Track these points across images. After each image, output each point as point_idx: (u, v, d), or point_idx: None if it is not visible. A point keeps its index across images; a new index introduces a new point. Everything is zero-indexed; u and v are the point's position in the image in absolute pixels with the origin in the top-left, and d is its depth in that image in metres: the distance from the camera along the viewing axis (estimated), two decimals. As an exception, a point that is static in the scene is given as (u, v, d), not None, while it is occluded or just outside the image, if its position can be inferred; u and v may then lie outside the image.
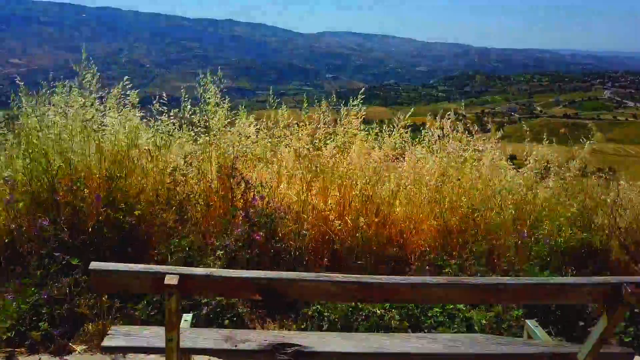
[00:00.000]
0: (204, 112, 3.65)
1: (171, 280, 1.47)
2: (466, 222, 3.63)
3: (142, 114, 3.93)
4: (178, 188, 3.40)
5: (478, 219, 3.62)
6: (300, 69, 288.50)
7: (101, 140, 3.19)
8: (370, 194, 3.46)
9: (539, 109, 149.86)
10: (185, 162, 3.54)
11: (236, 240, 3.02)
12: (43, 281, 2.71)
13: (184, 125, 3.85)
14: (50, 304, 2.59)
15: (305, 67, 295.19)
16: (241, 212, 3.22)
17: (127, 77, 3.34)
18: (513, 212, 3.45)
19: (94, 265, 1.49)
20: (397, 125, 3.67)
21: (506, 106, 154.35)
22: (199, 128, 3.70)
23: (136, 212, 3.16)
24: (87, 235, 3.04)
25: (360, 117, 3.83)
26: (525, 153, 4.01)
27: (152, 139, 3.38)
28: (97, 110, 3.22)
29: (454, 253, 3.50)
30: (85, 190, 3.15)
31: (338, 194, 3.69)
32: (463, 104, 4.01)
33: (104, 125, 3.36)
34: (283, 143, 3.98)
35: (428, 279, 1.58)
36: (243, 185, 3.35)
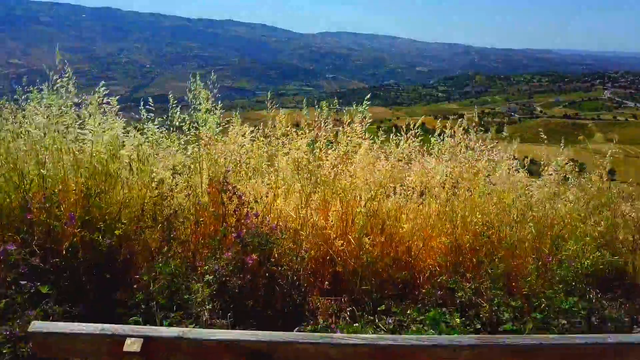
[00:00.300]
0: (194, 120, 3.34)
1: (132, 346, 1.15)
2: (480, 239, 3.32)
3: (124, 121, 3.63)
4: (165, 203, 3.08)
5: (493, 236, 3.31)
6: (300, 69, 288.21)
7: (77, 152, 2.87)
8: (376, 209, 3.15)
9: (539, 109, 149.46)
10: (173, 174, 3.23)
11: (227, 263, 2.71)
12: (6, 314, 2.39)
13: (173, 133, 3.53)
14: (13, 342, 2.28)
15: (305, 67, 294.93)
16: (233, 231, 2.91)
17: (103, 82, 3.01)
18: (533, 230, 3.14)
19: (35, 326, 1.18)
20: (406, 135, 3.35)
21: (506, 106, 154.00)
22: (188, 136, 3.38)
23: (117, 232, 2.84)
24: (61, 258, 2.72)
25: (365, 125, 3.51)
26: (542, 162, 3.69)
27: (136, 150, 3.07)
28: (73, 118, 2.90)
29: (467, 274, 3.19)
30: (62, 207, 2.84)
31: (340, 209, 3.37)
32: (476, 110, 3.68)
33: (82, 134, 3.04)
34: (281, 152, 3.67)
35: (456, 340, 1.26)
36: (236, 200, 3.03)
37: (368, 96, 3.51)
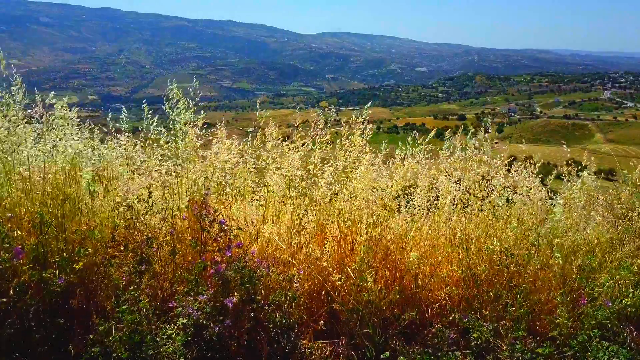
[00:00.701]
0: (173, 133, 2.92)
1: None
2: (497, 268, 2.90)
3: (103, 131, 3.23)
4: (135, 229, 2.67)
5: (512, 265, 2.89)
6: (300, 69, 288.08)
7: (25, 176, 2.45)
8: (378, 235, 2.73)
9: (538, 109, 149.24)
10: (147, 195, 2.81)
11: (204, 305, 2.29)
12: None
13: (149, 147, 3.12)
14: None
15: (305, 67, 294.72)
16: (212, 264, 2.49)
17: (53, 93, 2.58)
18: (560, 261, 2.72)
19: None
20: (413, 151, 2.92)
21: (506, 107, 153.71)
22: (165, 151, 2.97)
23: (77, 265, 2.43)
24: (8, 299, 2.30)
25: (366, 137, 3.10)
26: (564, 180, 3.27)
27: (103, 169, 2.65)
28: (25, 133, 2.48)
29: (483, 311, 2.77)
30: (12, 238, 2.42)
31: (338, 233, 2.96)
32: (490, 121, 3.25)
33: (42, 152, 2.63)
34: (272, 166, 3.25)
35: None
36: (217, 227, 2.62)
37: (368, 105, 3.09)
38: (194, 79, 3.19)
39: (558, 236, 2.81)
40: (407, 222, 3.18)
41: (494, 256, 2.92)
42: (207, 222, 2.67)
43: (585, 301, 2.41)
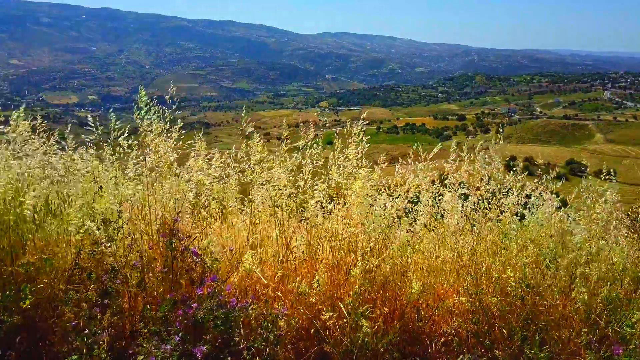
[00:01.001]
0: (144, 146, 2.58)
1: None
2: (512, 302, 2.56)
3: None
4: (95, 259, 2.32)
5: (528, 297, 2.54)
6: (300, 69, 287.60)
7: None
8: (376, 264, 2.37)
9: (538, 109, 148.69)
10: (116, 218, 2.46)
11: (169, 355, 1.94)
12: None
13: (118, 163, 2.77)
14: None
15: (305, 67, 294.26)
16: (182, 302, 2.14)
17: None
18: (585, 296, 2.36)
19: None
20: (416, 171, 2.56)
21: (506, 107, 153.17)
22: (134, 166, 2.62)
23: (24, 305, 2.08)
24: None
25: (362, 149, 2.74)
26: (585, 196, 2.92)
27: (52, 192, 2.29)
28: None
29: (495, 351, 2.42)
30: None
31: (331, 259, 2.61)
32: (501, 137, 2.90)
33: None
34: (257, 181, 2.90)
35: None
36: (189, 257, 2.27)
37: (364, 114, 2.74)
38: (171, 84, 2.84)
39: (581, 264, 2.46)
40: (408, 241, 2.83)
41: (508, 288, 2.57)
42: (178, 251, 2.32)
43: (620, 351, 2.05)
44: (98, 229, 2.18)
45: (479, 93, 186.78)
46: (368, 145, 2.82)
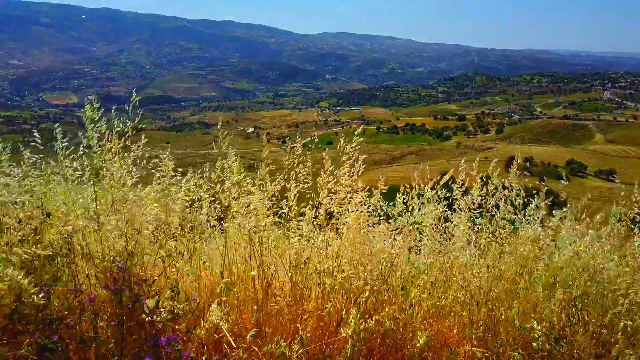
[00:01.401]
0: (91, 170, 2.14)
1: None
2: (535, 353, 2.12)
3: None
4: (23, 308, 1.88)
5: (555, 351, 2.11)
6: (300, 69, 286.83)
7: None
8: (374, 327, 1.94)
9: (538, 110, 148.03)
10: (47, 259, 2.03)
11: None
12: None
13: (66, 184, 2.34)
14: None
15: (304, 68, 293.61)
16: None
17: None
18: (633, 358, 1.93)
19: None
20: (422, 198, 2.12)
21: (506, 107, 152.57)
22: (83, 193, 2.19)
23: None
24: None
25: (358, 171, 2.31)
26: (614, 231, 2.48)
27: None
28: None
29: (518, 419, 1.99)
30: None
31: (320, 302, 2.18)
32: (518, 153, 2.46)
33: None
34: (233, 208, 2.47)
35: None
36: (140, 308, 1.84)
37: (360, 129, 2.30)
38: (133, 91, 2.41)
39: (623, 314, 2.02)
40: (412, 276, 2.40)
41: (530, 338, 2.14)
42: (129, 301, 1.89)
43: None
44: (24, 278, 1.75)
45: (479, 93, 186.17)
46: (364, 156, 2.39)
